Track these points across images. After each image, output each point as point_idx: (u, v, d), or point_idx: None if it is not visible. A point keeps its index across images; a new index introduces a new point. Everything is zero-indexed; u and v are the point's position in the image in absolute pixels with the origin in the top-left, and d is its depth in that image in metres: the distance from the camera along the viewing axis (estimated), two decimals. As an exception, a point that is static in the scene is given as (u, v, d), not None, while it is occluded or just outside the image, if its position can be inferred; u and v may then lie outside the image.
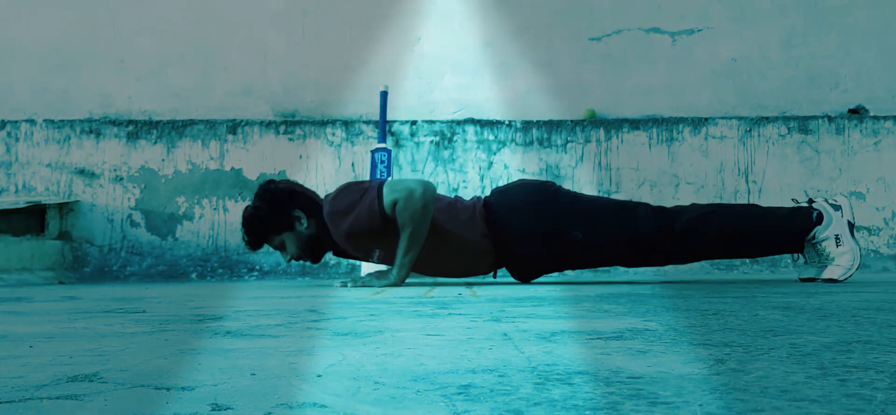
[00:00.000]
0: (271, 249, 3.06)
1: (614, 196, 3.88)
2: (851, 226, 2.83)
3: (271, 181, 3.04)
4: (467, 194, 3.87)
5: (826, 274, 2.79)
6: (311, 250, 2.98)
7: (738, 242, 2.89)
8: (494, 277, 3.20)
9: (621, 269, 3.79)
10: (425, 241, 2.86)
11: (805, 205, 2.90)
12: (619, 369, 0.98)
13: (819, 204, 2.86)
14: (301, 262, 3.31)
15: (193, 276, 3.84)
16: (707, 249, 2.91)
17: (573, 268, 3.08)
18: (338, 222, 2.87)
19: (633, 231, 2.87)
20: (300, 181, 3.94)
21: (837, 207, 2.83)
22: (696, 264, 3.76)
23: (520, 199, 2.96)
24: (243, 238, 2.98)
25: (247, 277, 3.81)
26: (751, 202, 3.87)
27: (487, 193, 3.80)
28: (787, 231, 2.85)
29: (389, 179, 2.92)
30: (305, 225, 2.93)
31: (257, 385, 0.91)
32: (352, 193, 2.89)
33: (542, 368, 1.00)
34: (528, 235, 2.90)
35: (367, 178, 3.69)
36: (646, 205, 2.98)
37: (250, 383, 0.92)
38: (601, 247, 2.89)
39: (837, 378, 0.90)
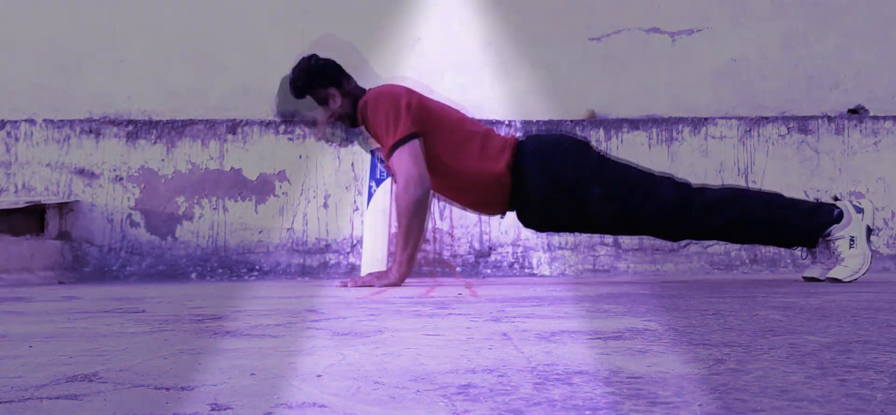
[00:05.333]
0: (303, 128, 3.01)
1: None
2: (869, 231, 2.81)
3: (315, 55, 3.04)
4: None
5: (831, 273, 2.77)
6: (339, 131, 2.99)
7: (758, 228, 2.86)
8: (502, 217, 3.19)
9: (622, 266, 3.79)
10: (449, 162, 2.86)
11: (829, 202, 2.88)
12: (618, 368, 0.98)
13: (843, 203, 2.84)
14: (331, 139, 3.19)
15: (193, 276, 3.84)
16: (726, 230, 2.87)
17: (586, 230, 3.05)
18: (368, 115, 2.88)
19: (653, 198, 2.84)
20: (300, 182, 3.95)
21: (860, 210, 2.82)
22: (696, 264, 3.76)
23: (549, 143, 2.97)
24: (276, 104, 2.99)
25: (246, 277, 3.81)
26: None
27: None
28: (807, 226, 2.83)
29: (402, 147, 2.79)
30: (339, 104, 2.95)
31: (257, 385, 0.91)
32: (385, 113, 2.85)
33: (541, 368, 1.00)
34: (549, 178, 2.86)
35: (367, 178, 3.67)
36: (671, 178, 2.95)
37: (250, 383, 0.92)
38: (619, 209, 2.86)
39: (837, 378, 0.90)
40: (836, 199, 2.88)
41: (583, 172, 2.87)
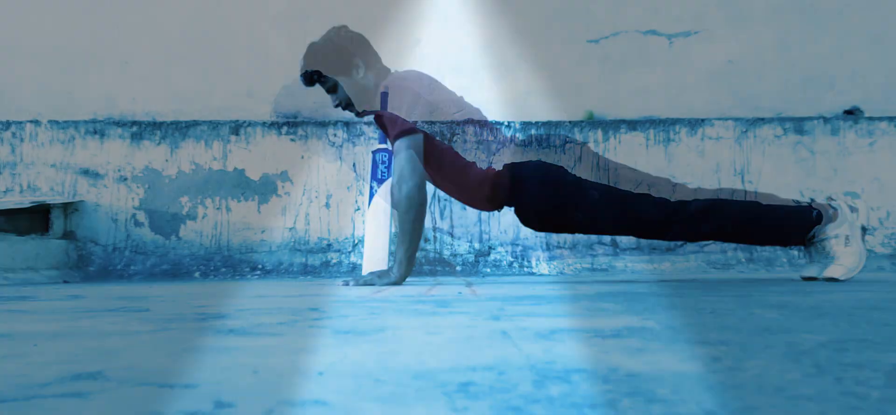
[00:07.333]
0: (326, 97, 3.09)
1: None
2: (864, 230, 2.83)
3: (345, 26, 3.08)
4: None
5: (827, 272, 2.78)
6: (359, 101, 3.02)
7: (741, 232, 2.90)
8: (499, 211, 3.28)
9: (620, 265, 3.80)
10: (438, 179, 2.97)
11: (823, 203, 2.90)
12: (616, 366, 0.99)
13: (837, 203, 2.85)
14: (348, 111, 3.22)
15: (196, 275, 3.85)
16: (710, 236, 2.92)
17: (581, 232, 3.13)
18: (387, 102, 2.93)
19: (635, 219, 2.90)
20: (302, 182, 3.96)
21: (854, 210, 2.83)
22: (693, 263, 3.77)
23: (527, 172, 3.00)
24: (301, 70, 3.01)
25: (249, 276, 3.82)
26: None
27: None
28: (790, 223, 2.84)
29: (403, 139, 2.84)
30: (362, 75, 2.97)
31: (259, 383, 0.92)
32: (394, 113, 2.91)
33: (540, 366, 1.01)
34: (530, 208, 2.94)
35: (368, 178, 3.69)
36: (649, 195, 2.97)
37: (252, 381, 0.93)
38: (604, 228, 2.96)
39: (833, 376, 0.91)
40: (830, 199, 2.89)
41: (563, 198, 2.94)
